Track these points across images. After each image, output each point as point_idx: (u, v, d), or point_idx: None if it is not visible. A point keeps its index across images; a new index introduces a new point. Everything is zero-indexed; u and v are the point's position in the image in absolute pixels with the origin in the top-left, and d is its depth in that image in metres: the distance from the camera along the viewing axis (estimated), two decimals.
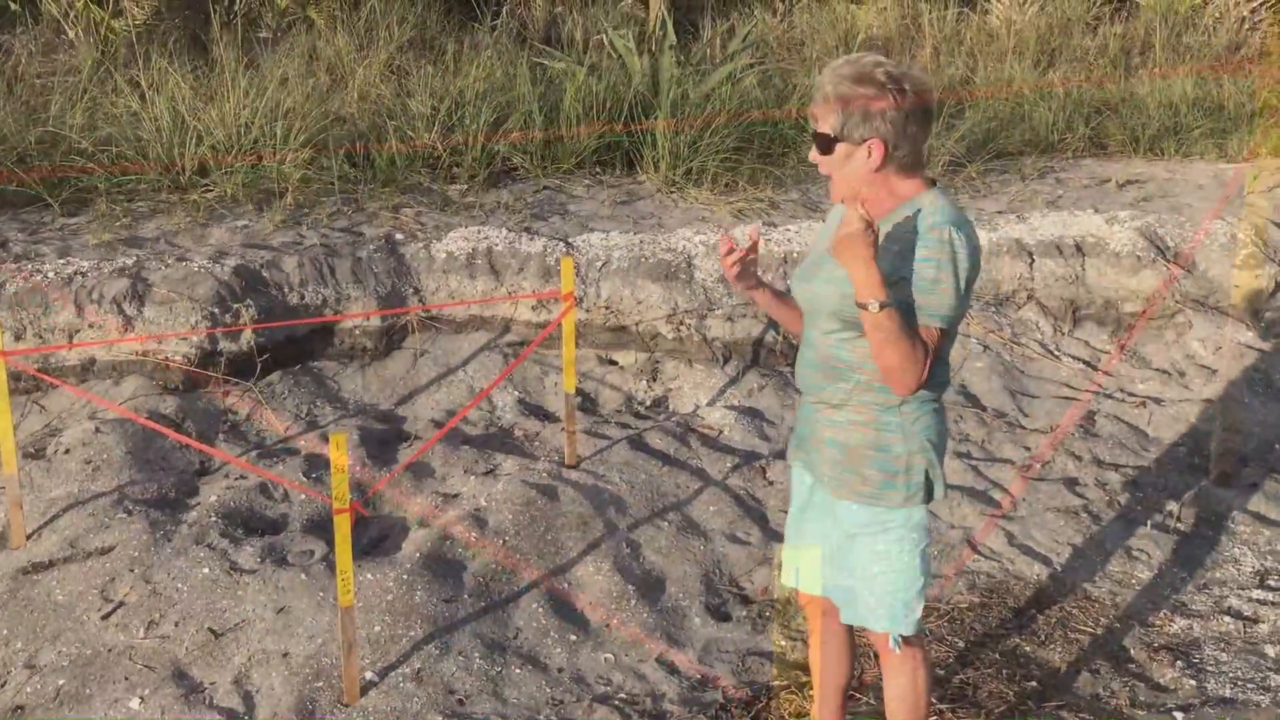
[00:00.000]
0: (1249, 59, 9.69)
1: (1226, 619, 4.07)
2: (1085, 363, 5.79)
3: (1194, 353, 5.91)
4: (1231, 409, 5.52)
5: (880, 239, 2.55)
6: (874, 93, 2.56)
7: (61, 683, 3.47)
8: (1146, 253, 6.12)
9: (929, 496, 2.75)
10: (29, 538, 4.10)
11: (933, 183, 2.69)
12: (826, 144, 2.63)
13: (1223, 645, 3.93)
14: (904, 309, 2.53)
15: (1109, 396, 5.54)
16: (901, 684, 2.91)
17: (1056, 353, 5.83)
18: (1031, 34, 9.67)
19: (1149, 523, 4.64)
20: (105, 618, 3.73)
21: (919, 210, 2.61)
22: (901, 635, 2.83)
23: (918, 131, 2.61)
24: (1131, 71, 9.36)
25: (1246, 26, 10.32)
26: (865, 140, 2.60)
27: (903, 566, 2.77)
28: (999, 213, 6.53)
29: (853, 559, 2.81)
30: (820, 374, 2.76)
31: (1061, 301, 6.05)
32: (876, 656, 3.13)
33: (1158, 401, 5.52)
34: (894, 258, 2.58)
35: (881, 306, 2.47)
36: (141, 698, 3.43)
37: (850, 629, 3.09)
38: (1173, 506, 4.77)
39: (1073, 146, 7.98)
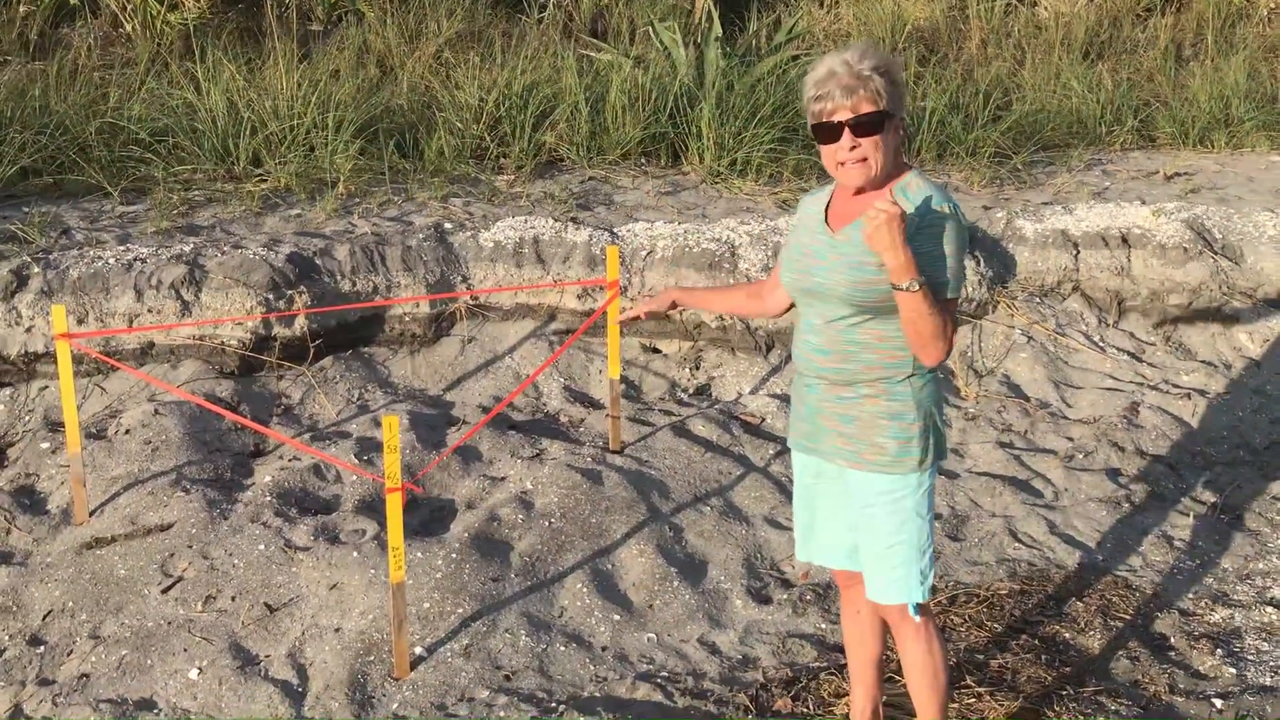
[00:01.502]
0: None
1: (1269, 609, 4.07)
2: (1130, 354, 5.77)
3: (1240, 345, 5.88)
4: (1277, 401, 5.49)
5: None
6: (899, 71, 2.67)
7: (124, 653, 3.60)
8: (1194, 245, 6.08)
9: (937, 460, 2.86)
10: (92, 514, 4.25)
11: (908, 165, 2.78)
12: (880, 121, 2.65)
13: (1265, 635, 3.92)
14: (933, 286, 2.63)
15: (1153, 388, 5.52)
16: (919, 652, 2.96)
17: (1101, 344, 5.82)
18: (1080, 26, 9.60)
19: (1191, 514, 4.64)
20: (165, 592, 3.86)
21: (907, 193, 2.70)
22: (917, 603, 2.90)
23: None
24: (1182, 64, 9.27)
25: None
26: (897, 117, 2.69)
27: (914, 536, 2.85)
28: (1045, 204, 6.51)
29: (868, 532, 2.89)
30: (826, 357, 2.83)
31: (1107, 293, 6.03)
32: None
33: (1202, 393, 5.50)
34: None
35: (919, 286, 2.57)
36: (200, 668, 3.55)
37: None
38: (1216, 497, 4.76)
39: (1120, 139, 7.93)
